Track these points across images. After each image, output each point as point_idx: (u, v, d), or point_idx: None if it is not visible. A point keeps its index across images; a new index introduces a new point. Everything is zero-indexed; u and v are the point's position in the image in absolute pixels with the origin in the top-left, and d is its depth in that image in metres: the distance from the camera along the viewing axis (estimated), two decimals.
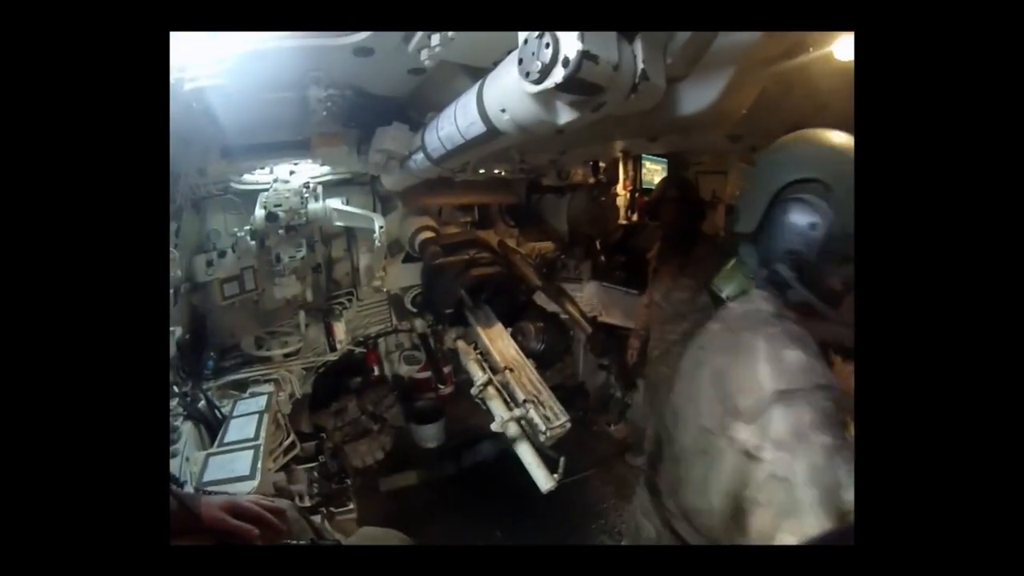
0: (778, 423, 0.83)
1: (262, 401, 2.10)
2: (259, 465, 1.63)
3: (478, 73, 1.26)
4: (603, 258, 3.87)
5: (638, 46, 0.93)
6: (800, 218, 0.95)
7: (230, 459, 1.66)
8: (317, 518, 1.78)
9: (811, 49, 1.29)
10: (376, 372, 3.32)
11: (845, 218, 0.90)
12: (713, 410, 0.93)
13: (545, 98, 0.97)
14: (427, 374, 3.55)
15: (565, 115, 0.99)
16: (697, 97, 1.26)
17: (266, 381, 2.32)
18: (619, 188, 3.19)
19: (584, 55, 0.80)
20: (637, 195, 3.18)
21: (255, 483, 1.56)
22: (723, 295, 1.13)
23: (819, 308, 0.94)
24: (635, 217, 3.15)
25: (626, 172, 3.15)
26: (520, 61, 0.89)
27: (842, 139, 0.97)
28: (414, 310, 3.21)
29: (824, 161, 0.95)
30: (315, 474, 2.34)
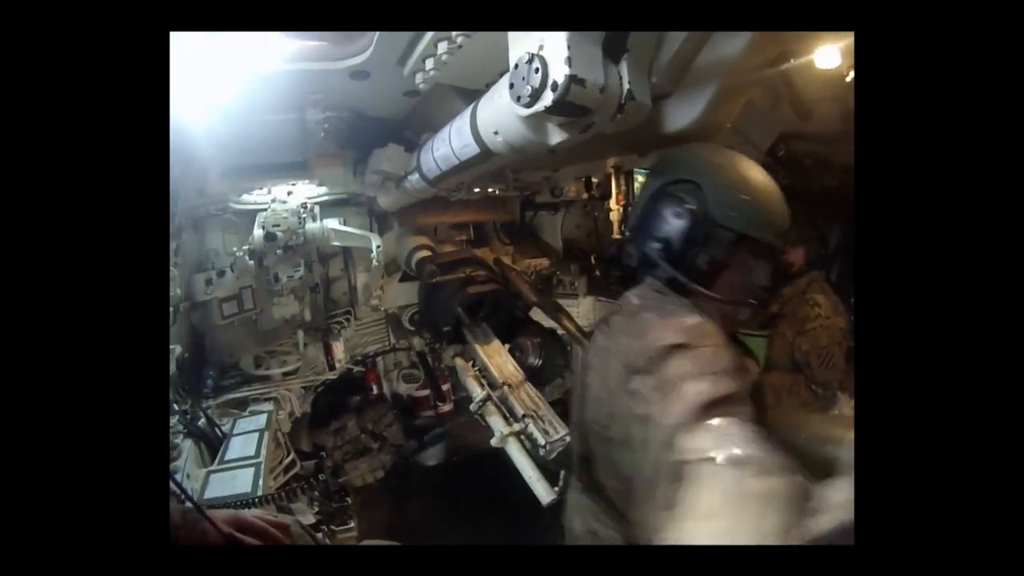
0: (664, 371, 0.90)
1: (262, 419, 2.10)
2: (260, 483, 1.64)
3: (471, 95, 1.30)
4: (598, 273, 3.89)
5: (624, 67, 0.97)
6: (670, 209, 1.11)
7: (231, 476, 1.67)
8: (319, 535, 1.78)
9: (792, 59, 1.36)
10: (375, 391, 3.31)
11: (707, 208, 1.06)
12: (619, 381, 1.02)
13: (536, 120, 1.01)
14: (426, 392, 3.55)
15: (556, 136, 1.03)
16: (683, 113, 1.31)
17: (266, 400, 2.32)
18: (612, 203, 3.22)
19: (572, 79, 0.84)
20: (630, 209, 3.22)
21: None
22: None
23: (685, 283, 1.09)
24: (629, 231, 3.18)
25: (618, 187, 3.18)
26: (511, 85, 0.93)
27: (714, 151, 1.17)
28: (412, 328, 3.22)
29: (696, 166, 1.12)
30: (315, 492, 2.34)
